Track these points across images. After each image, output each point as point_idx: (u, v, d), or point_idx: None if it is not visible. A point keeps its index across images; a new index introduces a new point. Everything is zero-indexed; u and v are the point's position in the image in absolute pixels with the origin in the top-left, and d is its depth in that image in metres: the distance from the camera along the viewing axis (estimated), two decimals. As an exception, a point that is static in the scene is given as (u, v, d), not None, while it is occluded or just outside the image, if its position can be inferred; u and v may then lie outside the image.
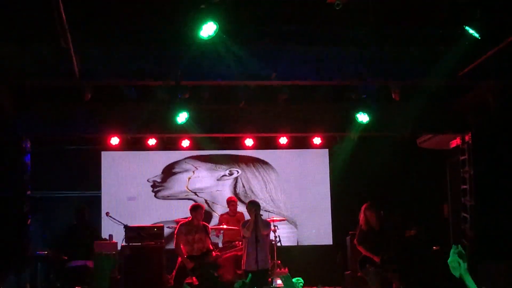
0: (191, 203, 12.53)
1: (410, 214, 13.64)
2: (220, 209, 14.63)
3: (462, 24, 8.77)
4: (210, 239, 11.85)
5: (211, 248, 11.71)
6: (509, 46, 9.15)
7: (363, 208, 10.89)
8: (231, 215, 13.17)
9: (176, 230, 11.55)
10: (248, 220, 11.20)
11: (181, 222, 11.69)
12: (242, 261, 11.15)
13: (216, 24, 8.24)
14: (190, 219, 11.55)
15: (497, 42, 9.07)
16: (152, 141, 13.85)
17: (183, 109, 10.79)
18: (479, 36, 8.51)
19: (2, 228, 11.39)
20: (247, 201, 12.45)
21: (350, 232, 12.80)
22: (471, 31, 8.53)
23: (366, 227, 10.79)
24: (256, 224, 10.93)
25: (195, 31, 8.38)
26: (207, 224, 11.88)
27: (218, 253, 12.00)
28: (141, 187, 15.02)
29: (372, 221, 10.76)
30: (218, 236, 13.14)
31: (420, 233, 12.60)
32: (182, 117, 10.87)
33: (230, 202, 13.36)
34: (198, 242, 11.44)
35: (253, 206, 11.16)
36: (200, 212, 11.52)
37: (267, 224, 11.40)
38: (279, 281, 11.68)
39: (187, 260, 11.28)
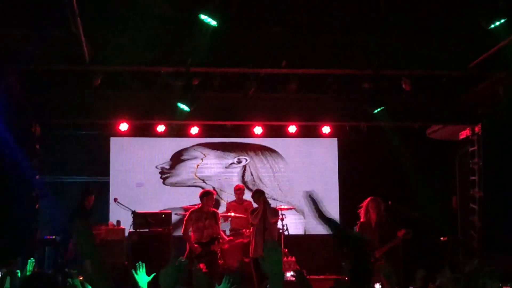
0: (199, 190, 12.52)
1: (418, 205, 13.60)
2: (228, 196, 14.64)
3: (475, 14, 8.74)
4: (219, 226, 11.84)
5: (221, 235, 11.72)
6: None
7: (366, 201, 10.90)
8: (239, 203, 13.17)
9: (186, 216, 11.56)
10: (257, 208, 11.22)
11: (191, 209, 11.69)
12: (250, 248, 11.18)
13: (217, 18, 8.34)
14: (200, 205, 11.55)
15: (508, 33, 9.00)
16: (161, 128, 13.80)
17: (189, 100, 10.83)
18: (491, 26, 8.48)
19: (11, 212, 11.44)
20: (255, 189, 12.44)
21: (358, 222, 12.77)
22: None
23: (365, 221, 10.81)
24: (265, 212, 10.95)
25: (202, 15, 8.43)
26: (217, 211, 11.87)
27: (230, 237, 12.05)
28: (149, 174, 15.04)
29: (372, 215, 10.77)
30: (226, 221, 13.15)
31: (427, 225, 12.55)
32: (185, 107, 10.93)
33: (237, 191, 13.36)
34: (208, 228, 11.44)
35: (261, 195, 11.19)
36: (211, 198, 11.53)
37: (275, 212, 11.42)
38: (288, 274, 11.69)
39: (194, 246, 11.31)
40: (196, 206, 11.75)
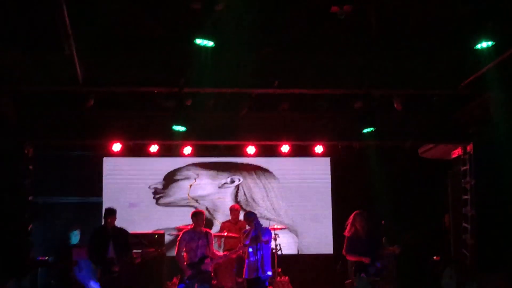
0: (192, 210, 12.50)
1: (411, 224, 13.64)
2: (221, 216, 14.64)
3: (465, 35, 8.83)
4: (210, 247, 11.76)
5: (216, 255, 11.66)
6: (511, 57, 9.20)
7: (352, 216, 10.93)
8: (233, 223, 13.11)
9: (179, 237, 11.53)
10: (249, 229, 11.23)
11: (184, 230, 11.65)
12: (243, 268, 11.16)
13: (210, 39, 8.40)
14: (192, 226, 11.54)
15: (498, 53, 9.08)
16: (154, 148, 13.83)
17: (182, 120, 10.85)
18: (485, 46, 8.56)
19: (4, 233, 11.41)
20: (248, 209, 12.42)
21: (345, 236, 12.76)
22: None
23: (353, 235, 10.82)
24: (256, 232, 10.96)
25: (197, 40, 8.48)
26: (210, 231, 11.83)
27: (225, 252, 11.97)
28: (142, 194, 15.04)
29: (360, 229, 10.79)
30: (219, 245, 13.07)
31: (419, 244, 12.61)
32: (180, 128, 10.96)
33: (233, 210, 13.28)
34: (202, 248, 11.42)
35: (251, 216, 11.19)
36: (201, 218, 11.48)
37: (268, 231, 11.41)
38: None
39: (186, 267, 11.28)
40: (189, 227, 11.72)
